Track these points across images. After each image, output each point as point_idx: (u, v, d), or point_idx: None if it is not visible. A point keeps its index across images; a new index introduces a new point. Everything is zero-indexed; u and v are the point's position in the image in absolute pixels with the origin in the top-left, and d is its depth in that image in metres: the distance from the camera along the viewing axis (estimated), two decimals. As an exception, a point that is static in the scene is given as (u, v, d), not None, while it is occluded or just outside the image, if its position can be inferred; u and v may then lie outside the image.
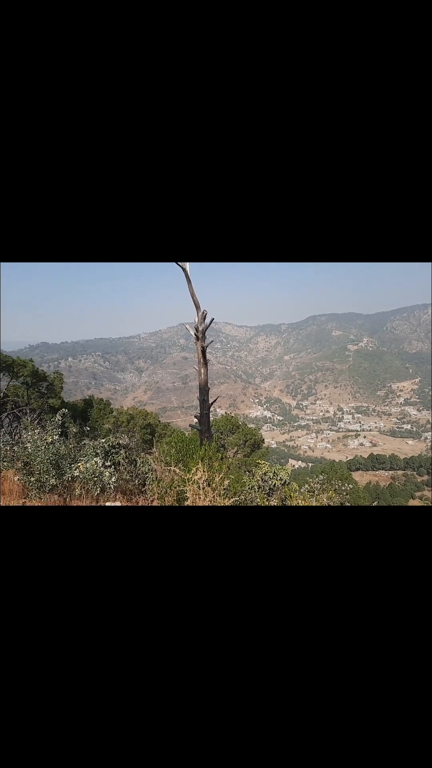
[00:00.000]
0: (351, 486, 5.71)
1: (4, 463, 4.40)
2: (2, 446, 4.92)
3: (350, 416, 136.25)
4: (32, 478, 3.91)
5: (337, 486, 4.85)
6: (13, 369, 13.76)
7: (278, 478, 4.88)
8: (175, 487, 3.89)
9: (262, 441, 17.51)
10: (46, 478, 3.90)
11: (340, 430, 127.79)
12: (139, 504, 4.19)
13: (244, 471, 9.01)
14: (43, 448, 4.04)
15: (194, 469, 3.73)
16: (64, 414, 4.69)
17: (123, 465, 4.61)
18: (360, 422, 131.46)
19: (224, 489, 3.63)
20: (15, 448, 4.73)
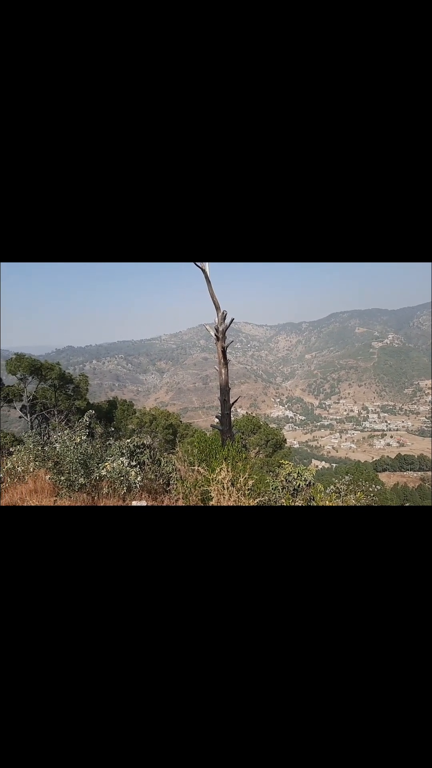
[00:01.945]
0: (378, 487, 5.54)
1: (36, 463, 4.59)
2: (33, 446, 5.14)
3: (376, 415, 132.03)
4: (62, 477, 4.06)
5: (364, 487, 4.72)
6: (42, 372, 14.32)
7: (303, 478, 4.81)
8: (200, 487, 3.92)
9: (284, 441, 17.31)
10: (75, 477, 4.04)
11: (366, 429, 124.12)
12: (164, 503, 4.26)
13: (267, 471, 8.94)
14: (72, 448, 4.18)
15: (218, 469, 3.74)
16: (90, 415, 4.83)
17: (148, 465, 4.70)
18: (386, 421, 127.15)
19: (248, 489, 3.63)
20: (45, 448, 4.93)
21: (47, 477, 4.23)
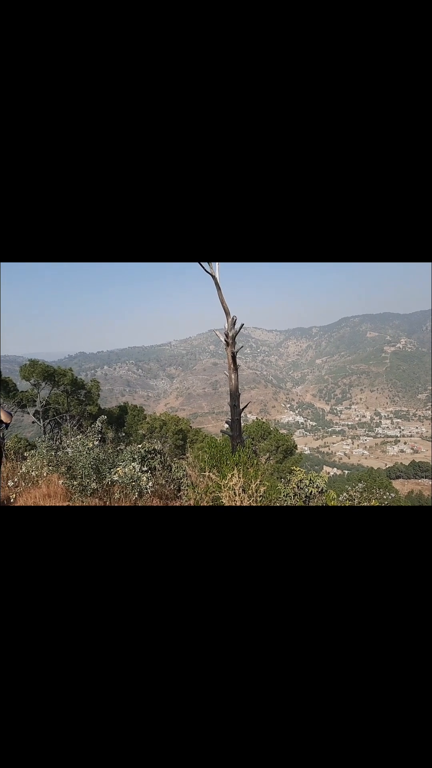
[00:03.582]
0: (393, 495, 5.42)
1: (50, 467, 4.66)
2: (46, 451, 5.22)
3: (389, 421, 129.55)
4: (75, 482, 4.10)
5: (378, 495, 4.63)
6: (55, 378, 14.57)
7: (315, 485, 4.75)
8: (211, 493, 3.91)
9: (295, 447, 17.12)
10: (88, 482, 4.08)
11: (378, 435, 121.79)
12: (175, 509, 4.25)
13: (278, 477, 8.85)
14: (84, 453, 4.23)
15: (229, 475, 3.73)
16: (102, 420, 4.89)
17: (159, 470, 4.71)
18: (399, 427, 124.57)
19: (260, 496, 3.60)
20: (58, 453, 5.00)
21: (60, 481, 4.29)
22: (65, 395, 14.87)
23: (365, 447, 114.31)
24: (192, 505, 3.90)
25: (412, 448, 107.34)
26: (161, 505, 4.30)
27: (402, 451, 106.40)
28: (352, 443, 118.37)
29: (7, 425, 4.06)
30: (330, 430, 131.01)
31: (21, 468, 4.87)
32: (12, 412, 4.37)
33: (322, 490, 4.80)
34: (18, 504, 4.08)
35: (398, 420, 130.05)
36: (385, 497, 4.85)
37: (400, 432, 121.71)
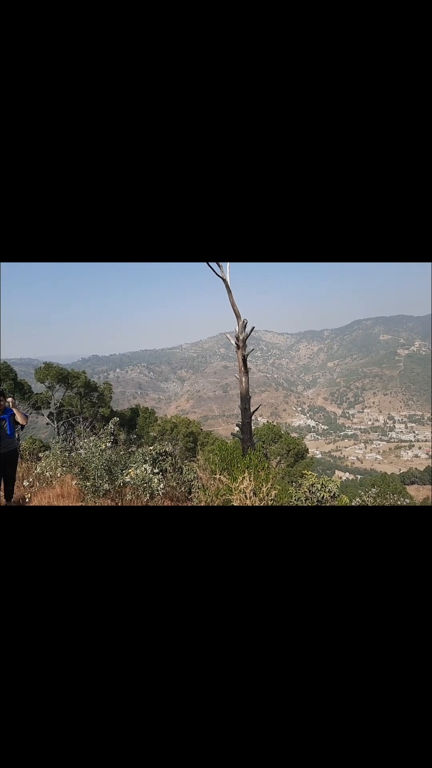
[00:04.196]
0: (407, 501, 5.30)
1: (63, 468, 4.74)
2: (60, 452, 5.31)
3: (402, 425, 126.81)
4: (88, 483, 4.17)
5: (392, 500, 4.54)
6: (68, 380, 14.82)
7: (327, 489, 4.69)
8: (221, 496, 3.91)
9: (306, 451, 16.93)
10: (100, 483, 4.14)
11: (392, 440, 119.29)
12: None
13: (289, 481, 8.77)
14: (97, 454, 4.30)
15: (240, 478, 3.73)
16: (115, 422, 4.95)
17: (170, 472, 4.74)
18: (414, 432, 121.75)
19: (271, 500, 3.58)
20: (72, 454, 5.09)
21: (74, 482, 4.36)
22: (78, 397, 15.11)
23: (378, 451, 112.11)
24: (211, 505, 3.91)
25: (427, 453, 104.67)
26: (172, 506, 4.32)
27: (417, 456, 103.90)
28: (365, 447, 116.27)
29: (22, 426, 4.16)
30: (342, 434, 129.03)
31: (36, 468, 4.97)
32: (27, 414, 4.46)
33: (334, 494, 4.74)
34: (33, 503, 4.16)
35: (412, 424, 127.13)
36: (399, 503, 4.75)
37: (415, 436, 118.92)
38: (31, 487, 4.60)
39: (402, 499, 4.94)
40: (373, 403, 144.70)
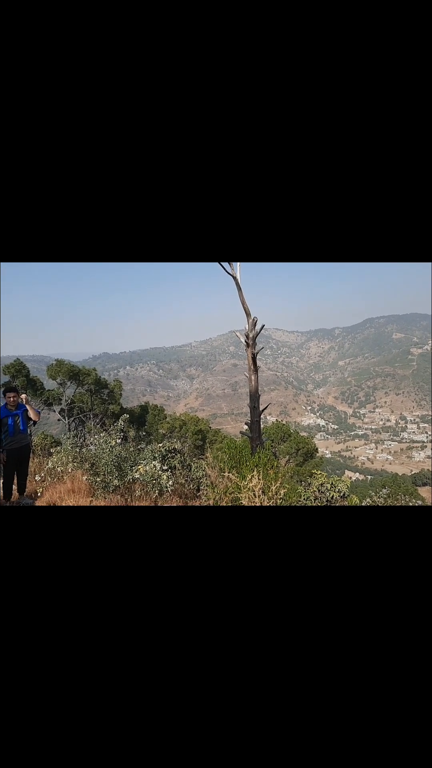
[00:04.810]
0: (419, 502, 5.21)
1: (74, 464, 4.81)
2: (71, 448, 5.39)
3: (415, 426, 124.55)
4: (98, 479, 4.22)
5: (403, 502, 4.47)
6: (79, 377, 15.02)
7: (337, 489, 4.65)
8: (230, 494, 3.91)
9: (316, 450, 16.80)
10: (110, 479, 4.18)
11: (404, 440, 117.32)
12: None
13: (298, 481, 8.72)
14: (107, 450, 4.34)
15: (249, 476, 3.72)
16: (125, 419, 5.00)
17: (179, 469, 4.77)
18: (426, 432, 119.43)
19: (280, 499, 3.56)
20: (83, 450, 5.16)
21: (84, 478, 4.42)
22: (89, 394, 15.31)
23: (390, 452, 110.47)
24: (211, 505, 3.92)
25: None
26: (181, 504, 4.34)
27: (429, 457, 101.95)
28: (376, 448, 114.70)
29: (35, 422, 4.24)
30: (352, 433, 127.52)
31: (47, 464, 5.06)
32: (40, 410, 4.55)
33: (344, 495, 4.69)
34: (44, 498, 4.24)
35: (425, 425, 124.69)
36: (410, 504, 4.67)
37: (428, 437, 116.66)
38: (43, 481, 4.69)
39: (413, 500, 4.85)
40: (385, 402, 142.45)
